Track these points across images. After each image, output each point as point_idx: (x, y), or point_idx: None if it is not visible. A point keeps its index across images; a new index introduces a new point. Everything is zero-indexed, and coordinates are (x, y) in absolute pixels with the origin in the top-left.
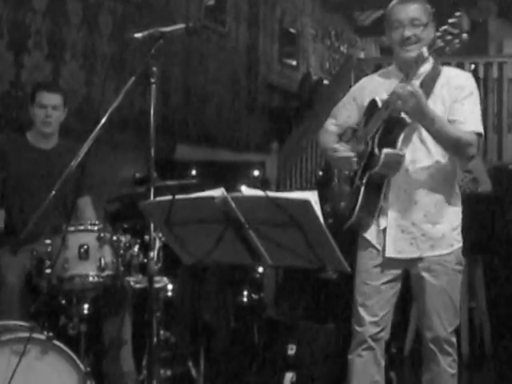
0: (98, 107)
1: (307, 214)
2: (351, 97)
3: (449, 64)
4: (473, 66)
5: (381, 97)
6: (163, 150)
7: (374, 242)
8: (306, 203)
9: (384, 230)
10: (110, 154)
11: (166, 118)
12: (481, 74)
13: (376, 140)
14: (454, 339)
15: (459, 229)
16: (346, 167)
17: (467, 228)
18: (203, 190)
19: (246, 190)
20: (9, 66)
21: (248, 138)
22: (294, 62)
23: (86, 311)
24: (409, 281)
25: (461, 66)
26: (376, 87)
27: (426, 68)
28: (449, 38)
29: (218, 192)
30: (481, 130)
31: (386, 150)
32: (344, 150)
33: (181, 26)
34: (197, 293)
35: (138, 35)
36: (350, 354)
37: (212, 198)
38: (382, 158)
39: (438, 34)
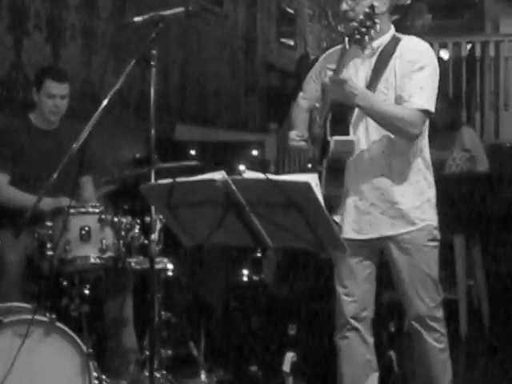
0: (98, 89)
1: (307, 196)
2: (317, 69)
3: (445, 44)
4: (469, 46)
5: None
6: (163, 130)
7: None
8: (306, 186)
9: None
10: (110, 135)
11: (165, 98)
12: (478, 53)
13: (328, 126)
14: (438, 314)
15: (425, 207)
16: (301, 155)
17: (464, 206)
18: (204, 173)
19: (246, 173)
20: (9, 48)
21: (247, 118)
22: (292, 42)
23: (87, 292)
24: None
25: (457, 45)
26: (335, 60)
27: (382, 41)
28: (363, 30)
29: (218, 175)
30: (427, 107)
31: (335, 138)
32: (296, 141)
33: (180, 9)
34: (197, 273)
35: (137, 19)
36: (335, 338)
37: (213, 181)
38: (331, 145)
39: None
